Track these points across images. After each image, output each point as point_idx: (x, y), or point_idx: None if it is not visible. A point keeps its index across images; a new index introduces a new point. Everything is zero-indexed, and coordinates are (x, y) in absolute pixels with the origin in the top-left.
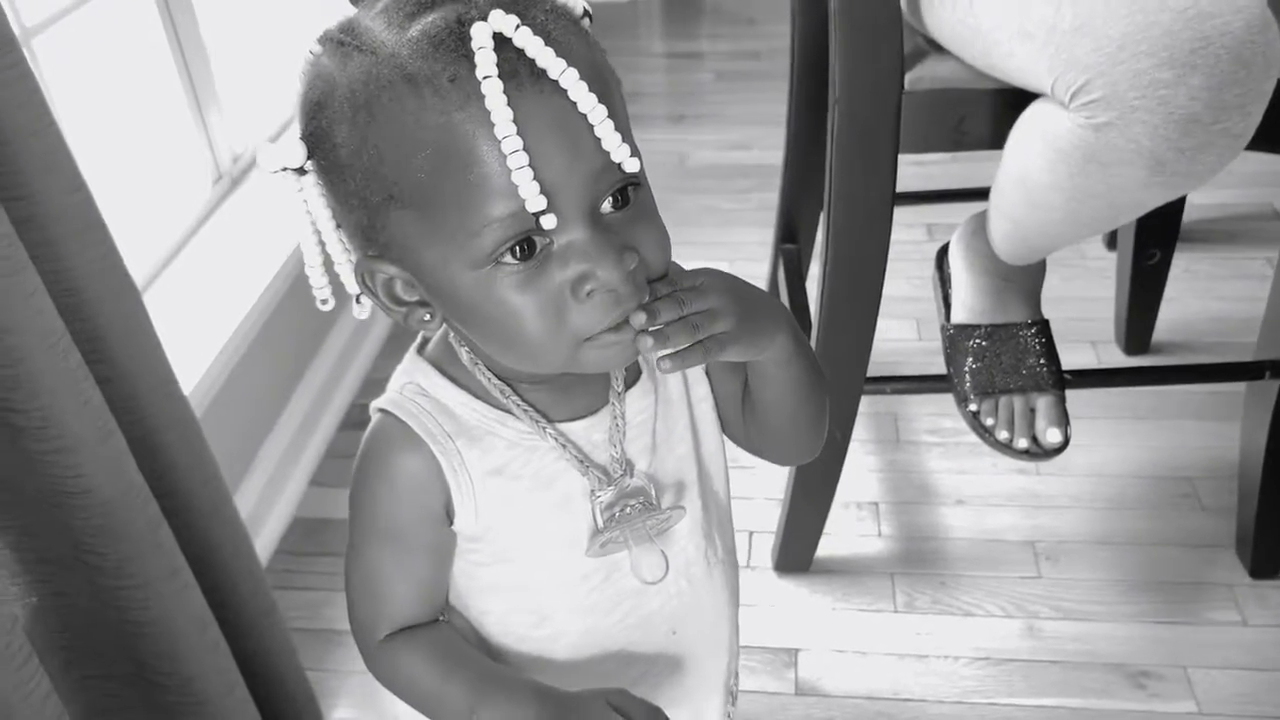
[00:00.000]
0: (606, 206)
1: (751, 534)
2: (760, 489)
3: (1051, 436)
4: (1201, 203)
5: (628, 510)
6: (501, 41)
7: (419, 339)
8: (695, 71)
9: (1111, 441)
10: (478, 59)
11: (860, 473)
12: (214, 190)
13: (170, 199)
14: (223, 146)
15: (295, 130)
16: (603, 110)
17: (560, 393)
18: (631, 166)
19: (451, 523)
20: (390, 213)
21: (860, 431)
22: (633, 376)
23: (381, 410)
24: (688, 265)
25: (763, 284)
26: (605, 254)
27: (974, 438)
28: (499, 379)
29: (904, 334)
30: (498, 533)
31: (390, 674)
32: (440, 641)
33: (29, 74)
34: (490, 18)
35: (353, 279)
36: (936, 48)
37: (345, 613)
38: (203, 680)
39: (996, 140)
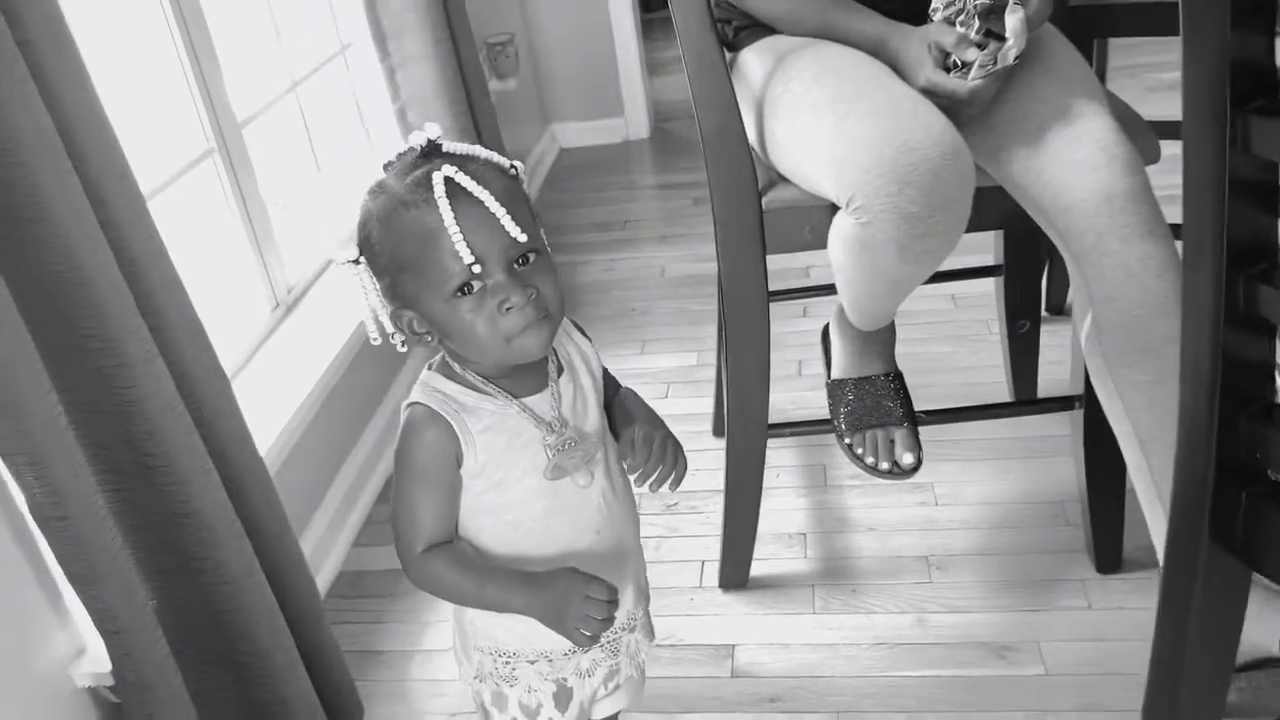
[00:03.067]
0: (519, 265)
1: (703, 563)
2: (711, 529)
3: (906, 459)
4: None
5: (565, 446)
6: (450, 180)
7: (428, 364)
8: (677, 199)
9: (999, 477)
10: (435, 190)
11: (793, 512)
12: (272, 315)
13: (238, 322)
14: (279, 281)
15: (352, 240)
16: (503, 210)
17: (518, 380)
18: (521, 238)
19: (460, 467)
20: (401, 276)
21: (794, 479)
22: (558, 370)
23: (413, 404)
24: (663, 358)
25: (713, 370)
26: (515, 287)
27: (885, 480)
28: (478, 376)
29: None
30: (489, 469)
31: (425, 576)
32: (456, 551)
33: (154, 227)
34: (443, 169)
35: (389, 323)
36: (784, 178)
37: (382, 638)
38: (272, 657)
39: None
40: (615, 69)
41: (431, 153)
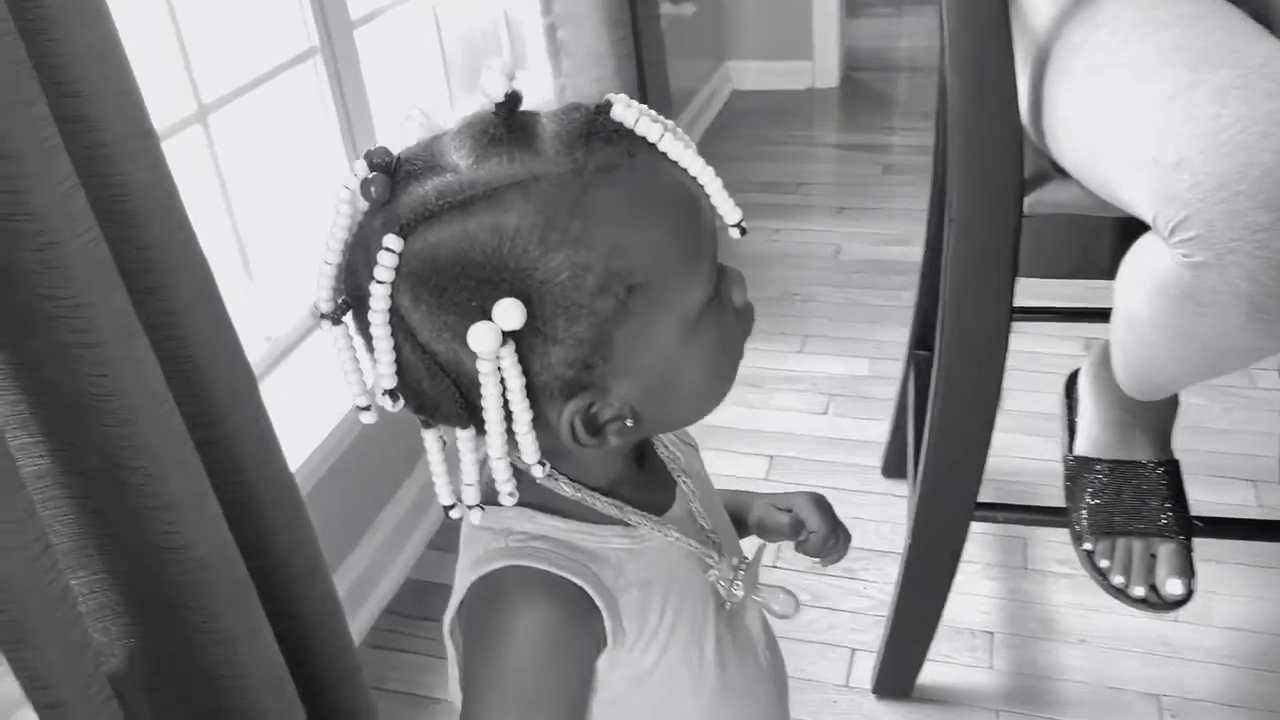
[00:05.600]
0: None
1: (854, 651)
2: (870, 606)
3: (1172, 587)
4: None
5: (738, 572)
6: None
7: (471, 505)
8: (863, 164)
9: (1260, 594)
10: (640, 128)
11: (978, 599)
12: None
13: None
14: None
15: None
16: (711, 171)
17: (646, 491)
18: (736, 214)
19: (598, 655)
20: (630, 306)
21: (985, 555)
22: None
23: (495, 571)
24: (826, 361)
25: (895, 387)
26: (737, 273)
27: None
28: (598, 494)
29: (1050, 453)
30: (639, 648)
31: None
32: None
33: (162, 158)
34: (614, 103)
35: (535, 449)
36: (1062, 171)
37: (441, 679)
38: None
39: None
40: (808, 4)
41: (511, 108)
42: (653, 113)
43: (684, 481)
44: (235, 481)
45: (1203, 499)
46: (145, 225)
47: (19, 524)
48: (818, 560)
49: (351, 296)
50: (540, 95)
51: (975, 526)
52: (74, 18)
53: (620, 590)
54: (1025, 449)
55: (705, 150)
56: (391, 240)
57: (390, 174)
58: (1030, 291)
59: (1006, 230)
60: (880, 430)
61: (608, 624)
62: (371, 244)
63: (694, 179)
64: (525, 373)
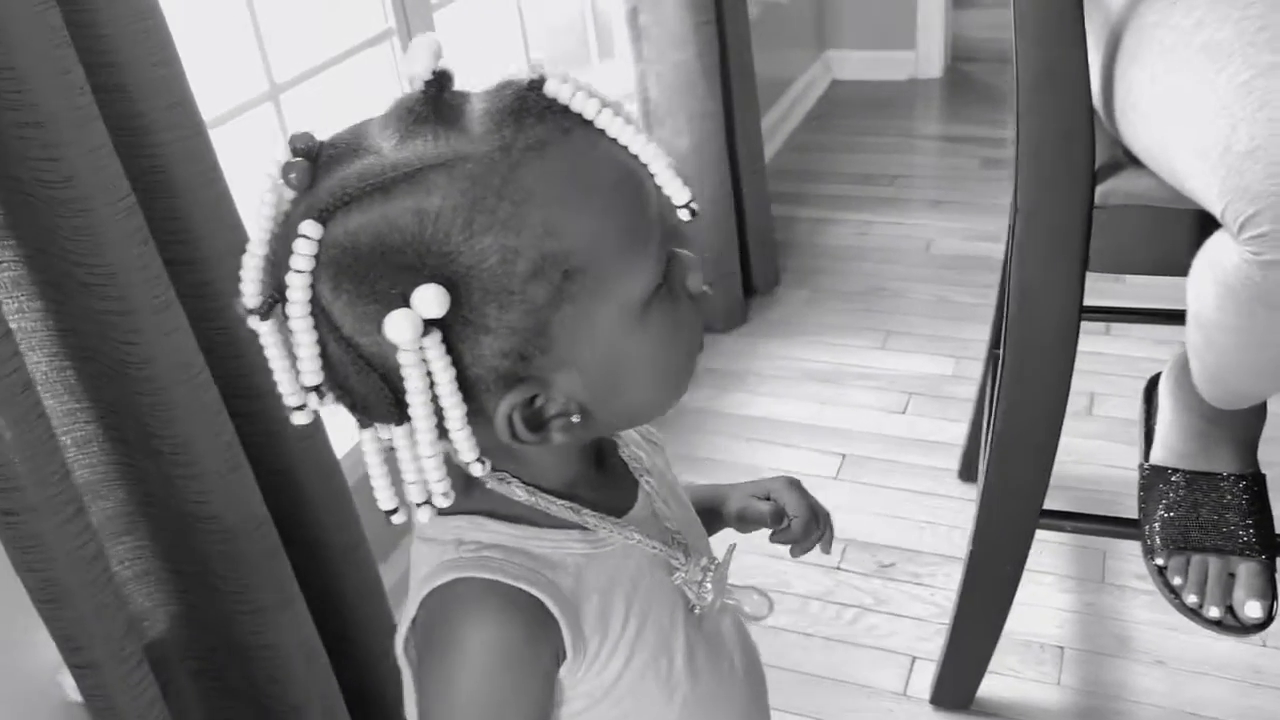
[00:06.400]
0: None
1: (914, 659)
2: (934, 613)
3: (1250, 610)
4: None
5: (706, 574)
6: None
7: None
8: (963, 156)
9: None
10: (576, 104)
11: (1050, 611)
12: None
13: None
14: None
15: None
16: (656, 148)
17: (605, 492)
18: (685, 193)
19: (558, 668)
20: (566, 292)
21: (1060, 566)
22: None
23: (445, 585)
24: (909, 359)
25: (974, 388)
26: (691, 257)
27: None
28: (551, 496)
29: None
30: (601, 661)
31: None
32: None
33: (203, 132)
34: (548, 77)
35: (471, 446)
36: (1136, 160)
37: None
38: (309, 708)
39: None
40: None
41: (440, 87)
42: (591, 87)
43: (646, 481)
44: (276, 455)
45: None
46: (182, 196)
47: (52, 486)
48: (793, 546)
49: (277, 290)
50: (623, 83)
51: (1051, 537)
52: None
53: (580, 598)
54: (1112, 457)
55: (798, 140)
56: (309, 227)
57: (312, 159)
58: (1131, 293)
59: (1076, 221)
60: (960, 432)
61: (567, 635)
62: (292, 233)
63: (636, 158)
64: (456, 364)
